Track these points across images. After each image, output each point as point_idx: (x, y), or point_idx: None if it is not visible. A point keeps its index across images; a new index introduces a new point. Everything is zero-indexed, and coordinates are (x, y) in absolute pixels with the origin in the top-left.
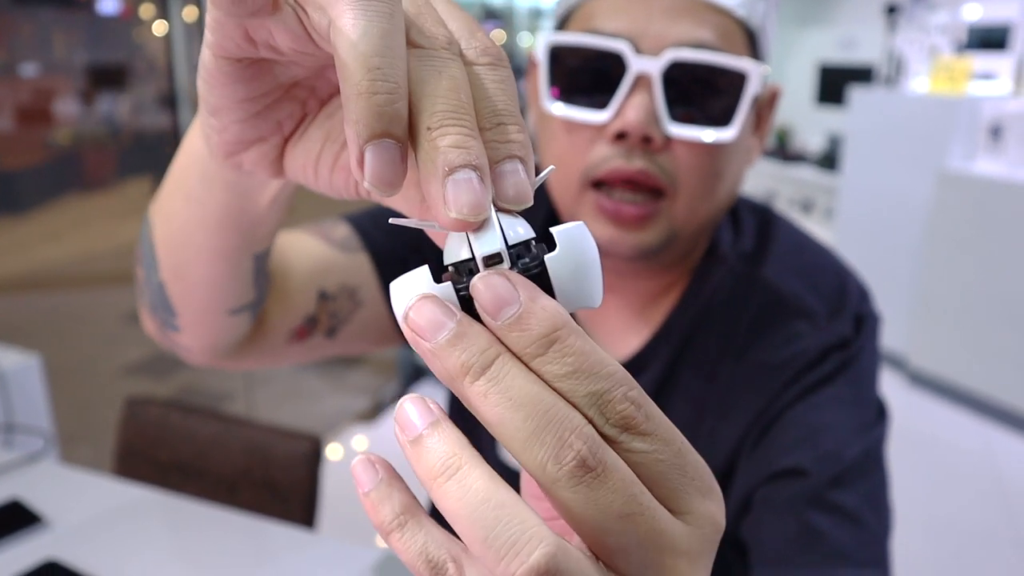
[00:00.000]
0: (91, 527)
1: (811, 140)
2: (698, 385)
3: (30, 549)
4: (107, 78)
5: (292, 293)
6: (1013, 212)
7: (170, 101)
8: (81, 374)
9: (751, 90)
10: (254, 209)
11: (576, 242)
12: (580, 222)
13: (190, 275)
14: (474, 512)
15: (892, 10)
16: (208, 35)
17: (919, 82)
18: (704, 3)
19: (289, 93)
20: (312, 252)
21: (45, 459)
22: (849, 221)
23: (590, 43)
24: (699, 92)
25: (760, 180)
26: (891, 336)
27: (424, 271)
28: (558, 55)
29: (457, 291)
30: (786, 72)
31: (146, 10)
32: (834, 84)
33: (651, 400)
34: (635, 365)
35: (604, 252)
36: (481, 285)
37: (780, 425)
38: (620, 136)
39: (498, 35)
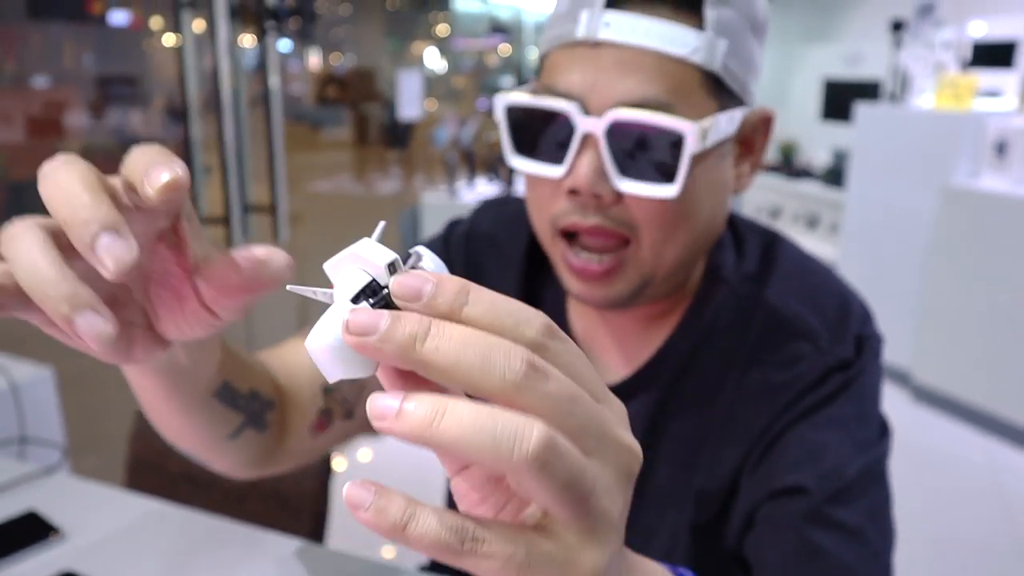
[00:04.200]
0: (107, 539)
1: (817, 156)
2: (700, 405)
3: (47, 561)
4: (117, 89)
5: (301, 395)
6: (1018, 228)
7: (182, 113)
8: (89, 385)
9: (689, 150)
10: (178, 368)
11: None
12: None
13: (167, 427)
14: (475, 425)
15: (898, 26)
16: None
17: (925, 99)
18: (655, 55)
19: (118, 298)
20: (306, 354)
21: (59, 471)
22: (854, 236)
23: (540, 104)
24: (642, 150)
25: (765, 195)
26: (895, 351)
27: (334, 308)
28: (514, 114)
29: (372, 304)
30: (792, 88)
31: (156, 21)
32: (840, 100)
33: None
34: (635, 385)
35: (577, 299)
36: (400, 282)
37: (782, 445)
38: (574, 192)
39: (505, 49)
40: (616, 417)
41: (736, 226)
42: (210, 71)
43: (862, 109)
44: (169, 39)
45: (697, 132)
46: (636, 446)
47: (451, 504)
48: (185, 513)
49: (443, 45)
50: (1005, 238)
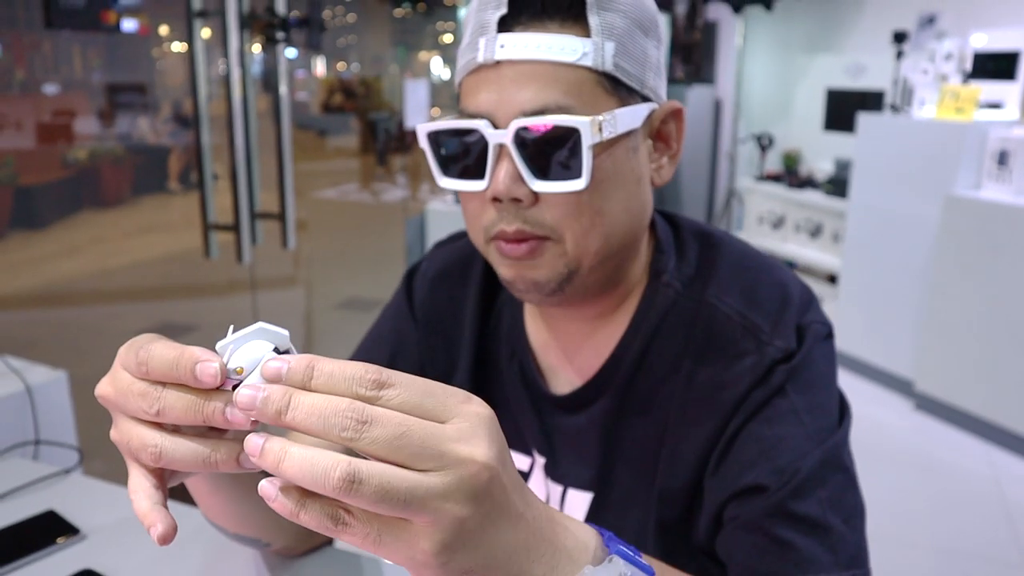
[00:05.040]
0: (123, 538)
1: (820, 165)
2: (653, 408)
3: (66, 559)
4: (125, 96)
5: None
6: (1019, 235)
7: (193, 121)
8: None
9: (586, 142)
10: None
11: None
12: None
13: (236, 518)
14: (302, 465)
15: (900, 38)
16: None
17: (927, 109)
18: (548, 64)
19: None
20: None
21: (75, 472)
22: (856, 246)
23: (455, 126)
24: (547, 151)
25: (768, 205)
26: (897, 360)
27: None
28: (434, 139)
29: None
30: (795, 98)
31: (165, 27)
32: (843, 110)
33: (393, 372)
34: (589, 393)
35: (513, 289)
36: (265, 367)
37: (738, 444)
38: (496, 199)
39: None
40: (458, 434)
41: (678, 229)
42: (217, 79)
43: (864, 119)
44: (176, 46)
45: (590, 125)
46: (479, 456)
47: None
48: (199, 513)
49: (447, 53)
50: (1007, 247)
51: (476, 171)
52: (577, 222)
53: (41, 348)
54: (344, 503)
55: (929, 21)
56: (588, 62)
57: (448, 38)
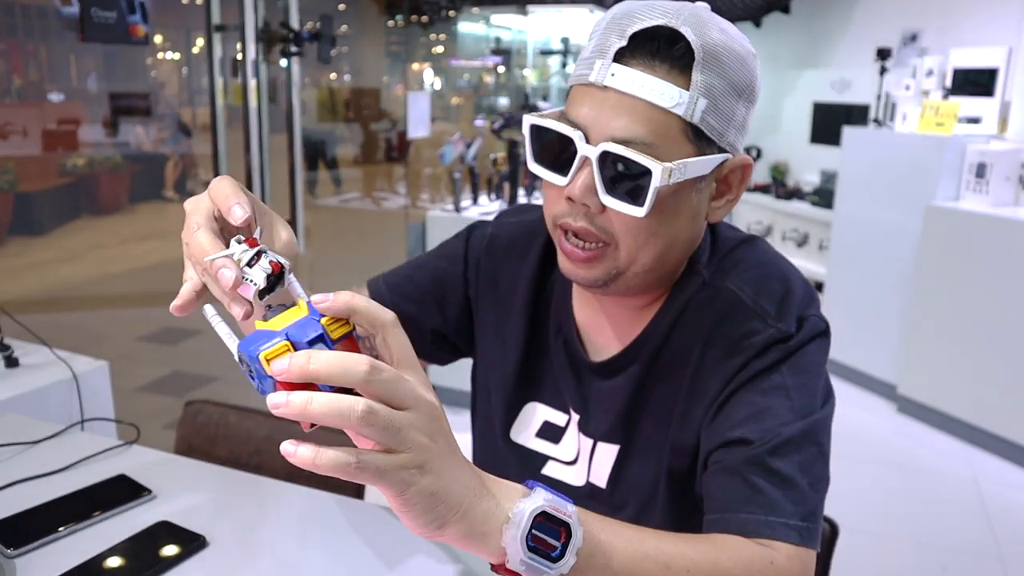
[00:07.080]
0: (191, 497)
1: (806, 177)
2: (674, 372)
3: (141, 513)
4: (122, 103)
5: None
6: (996, 244)
7: (211, 128)
8: (136, 378)
9: (654, 183)
10: None
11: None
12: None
13: None
14: (328, 406)
15: (883, 54)
16: None
17: (909, 123)
18: (646, 103)
19: None
20: None
21: (134, 445)
22: (842, 254)
23: (555, 128)
24: (623, 176)
25: (757, 215)
26: (881, 365)
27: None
28: (536, 132)
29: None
30: (783, 112)
31: (161, 37)
32: (829, 124)
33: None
34: (625, 358)
35: (565, 273)
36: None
37: (731, 404)
38: (570, 198)
39: (501, 69)
40: (422, 384)
41: (716, 230)
42: (204, 89)
43: (849, 133)
44: (172, 56)
45: (661, 171)
46: (434, 399)
47: None
48: (251, 477)
49: (440, 64)
50: (985, 255)
51: (561, 168)
52: (633, 238)
53: (88, 344)
54: (355, 450)
55: (912, 38)
56: (680, 111)
57: (439, 49)
